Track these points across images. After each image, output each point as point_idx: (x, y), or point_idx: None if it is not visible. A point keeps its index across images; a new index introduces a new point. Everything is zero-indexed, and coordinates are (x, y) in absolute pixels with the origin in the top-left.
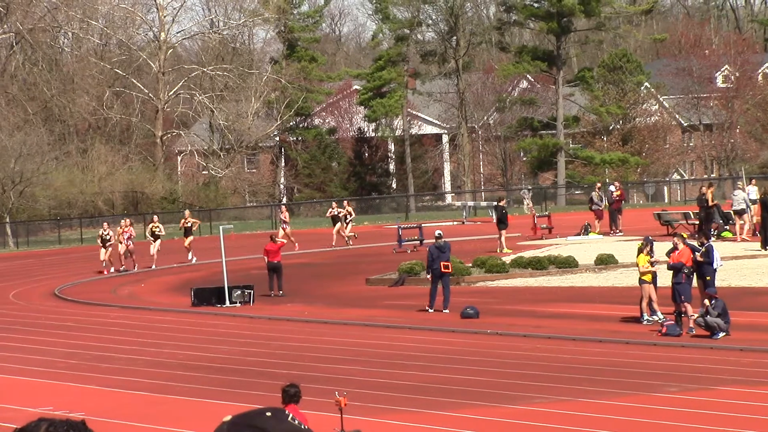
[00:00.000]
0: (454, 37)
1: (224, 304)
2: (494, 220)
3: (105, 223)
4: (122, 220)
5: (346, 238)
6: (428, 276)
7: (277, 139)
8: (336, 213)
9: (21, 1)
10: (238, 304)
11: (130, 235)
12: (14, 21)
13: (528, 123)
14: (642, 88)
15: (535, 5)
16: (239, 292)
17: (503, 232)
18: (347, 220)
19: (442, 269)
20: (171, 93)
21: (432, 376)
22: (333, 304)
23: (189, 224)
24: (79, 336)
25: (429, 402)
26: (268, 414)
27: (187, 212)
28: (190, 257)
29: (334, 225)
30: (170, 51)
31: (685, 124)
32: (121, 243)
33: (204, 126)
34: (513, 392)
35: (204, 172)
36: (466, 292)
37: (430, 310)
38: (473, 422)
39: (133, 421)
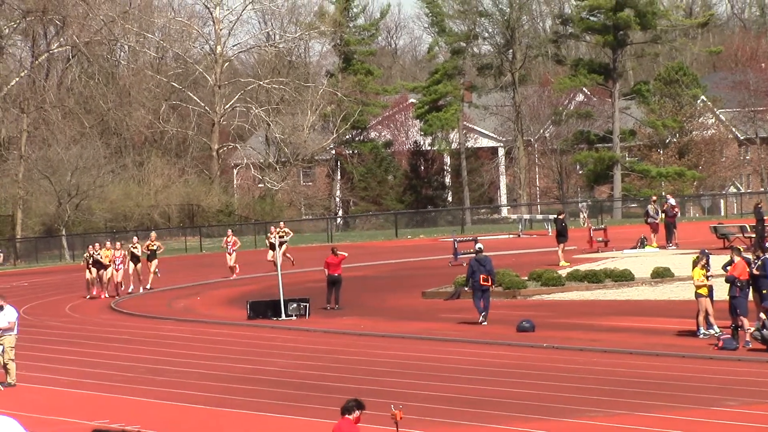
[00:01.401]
0: (511, 50)
1: (280, 317)
2: (549, 233)
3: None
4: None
5: (292, 261)
6: (466, 288)
7: (333, 152)
8: (275, 239)
9: (78, 14)
10: (293, 317)
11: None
12: (71, 34)
13: (584, 136)
14: (698, 101)
15: (592, 18)
16: (295, 305)
17: (562, 245)
18: (283, 241)
19: (482, 282)
20: (227, 106)
21: (488, 389)
22: (389, 318)
23: (154, 247)
24: (135, 349)
25: (485, 415)
26: None
27: (153, 234)
28: (148, 286)
29: (273, 250)
30: (226, 64)
31: (742, 138)
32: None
33: (260, 139)
34: (569, 406)
35: (260, 185)
36: (522, 306)
37: (484, 323)
38: None
39: None
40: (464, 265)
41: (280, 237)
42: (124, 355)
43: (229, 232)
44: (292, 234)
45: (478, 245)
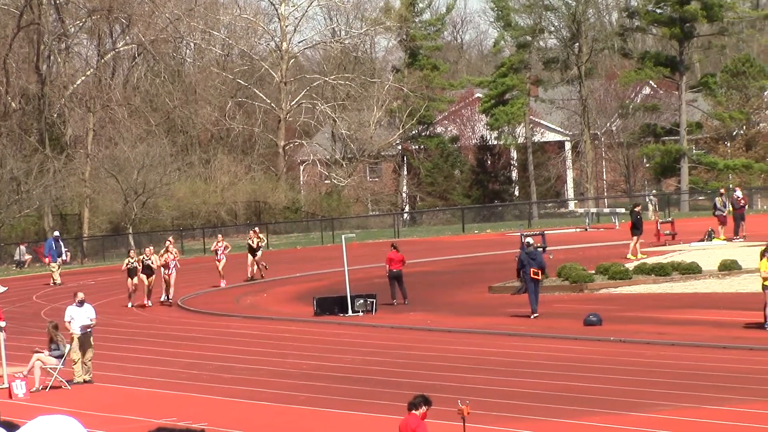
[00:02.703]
0: (577, 44)
1: (347, 313)
2: (616, 227)
3: (220, 235)
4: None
5: (264, 266)
6: (519, 280)
7: (400, 147)
8: (253, 242)
9: (143, 12)
10: (360, 313)
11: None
12: (136, 33)
13: (651, 129)
14: (765, 93)
15: (658, 11)
16: (362, 301)
17: (636, 238)
18: (257, 248)
19: (532, 275)
20: (293, 103)
21: (555, 384)
22: (456, 313)
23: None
24: (202, 346)
25: (552, 410)
26: None
27: (219, 236)
28: (163, 298)
29: (252, 255)
30: (292, 61)
31: None
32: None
33: (326, 135)
34: (637, 400)
35: (326, 182)
36: (589, 300)
37: (534, 316)
38: (597, 429)
39: (257, 431)
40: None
41: (256, 244)
42: (192, 352)
43: (219, 236)
44: (264, 242)
45: (528, 239)
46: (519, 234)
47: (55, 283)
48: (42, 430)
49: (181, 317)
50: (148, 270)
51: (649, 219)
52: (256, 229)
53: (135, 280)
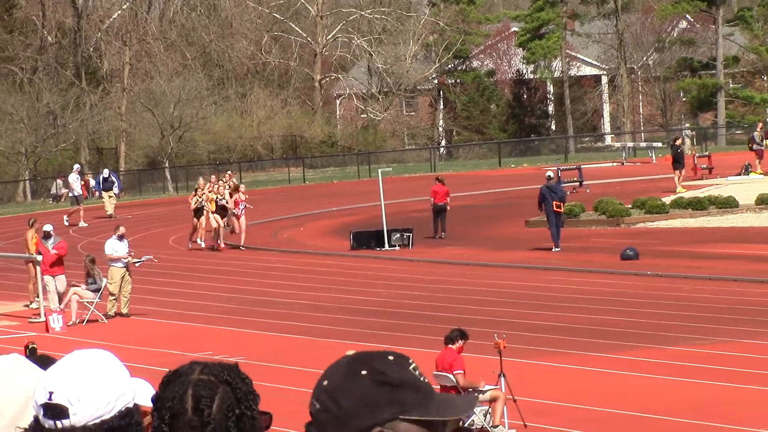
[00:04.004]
0: None
1: (383, 247)
2: (653, 161)
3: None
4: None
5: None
6: (540, 212)
7: (436, 81)
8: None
9: None
10: (397, 248)
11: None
12: None
13: (687, 63)
14: None
15: None
16: (398, 235)
17: (678, 171)
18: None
19: (555, 208)
20: (329, 37)
21: (591, 318)
22: (492, 247)
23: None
24: (239, 281)
25: (588, 344)
26: (390, 358)
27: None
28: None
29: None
30: None
31: None
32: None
33: (362, 69)
34: (673, 334)
35: (362, 116)
36: (626, 234)
37: (555, 249)
38: (633, 363)
39: (292, 365)
40: (568, 193)
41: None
42: (228, 286)
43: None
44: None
45: (548, 173)
46: (555, 168)
47: (109, 215)
48: (77, 364)
49: (216, 252)
50: (222, 210)
51: (687, 153)
52: (228, 174)
53: (203, 221)
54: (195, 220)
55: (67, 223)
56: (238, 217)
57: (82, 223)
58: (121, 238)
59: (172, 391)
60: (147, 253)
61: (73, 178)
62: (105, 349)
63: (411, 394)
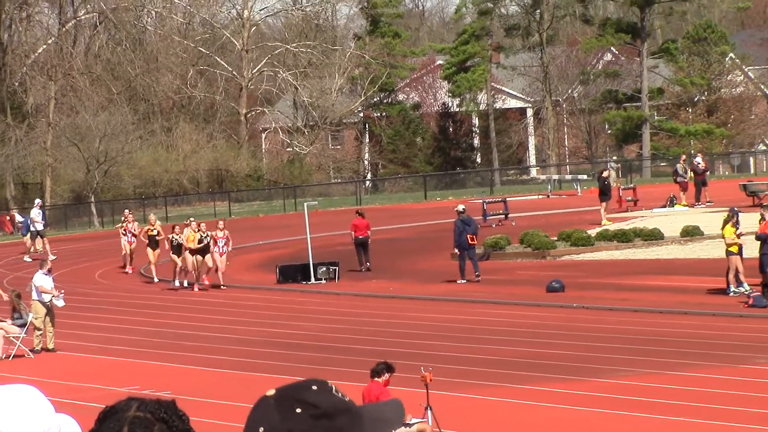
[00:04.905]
0: (538, 11)
1: (309, 280)
2: (578, 193)
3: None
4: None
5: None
6: (456, 251)
7: (362, 115)
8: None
9: None
10: (323, 281)
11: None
12: (98, 1)
13: (612, 95)
14: (727, 59)
15: None
16: (324, 268)
17: (605, 203)
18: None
19: (469, 242)
20: (255, 70)
21: (518, 350)
22: (418, 280)
23: (154, 232)
24: (164, 315)
25: (515, 376)
26: (314, 387)
27: (152, 217)
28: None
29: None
30: (253, 28)
31: None
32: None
33: (288, 103)
34: (599, 366)
35: (288, 149)
36: (552, 266)
37: (461, 281)
38: (560, 396)
39: (220, 400)
40: (493, 226)
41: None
42: (153, 321)
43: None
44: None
45: (461, 206)
46: (481, 201)
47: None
48: (1, 400)
49: (143, 286)
50: (202, 250)
51: (612, 186)
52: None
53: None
54: (174, 257)
55: (30, 260)
56: (220, 254)
57: (27, 258)
58: (48, 272)
59: (107, 427)
60: (64, 288)
61: (35, 213)
62: (30, 384)
63: (345, 418)
